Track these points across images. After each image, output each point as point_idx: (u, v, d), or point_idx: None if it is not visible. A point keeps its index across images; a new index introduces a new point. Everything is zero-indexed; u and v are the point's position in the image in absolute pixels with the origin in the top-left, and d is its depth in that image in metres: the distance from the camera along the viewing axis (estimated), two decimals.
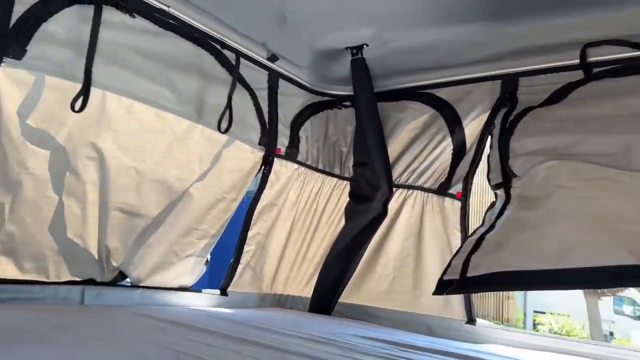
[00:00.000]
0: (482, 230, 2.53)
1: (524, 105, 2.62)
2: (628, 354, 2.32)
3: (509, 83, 2.71)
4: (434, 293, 2.48)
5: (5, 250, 1.99)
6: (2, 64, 1.86)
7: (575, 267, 2.11)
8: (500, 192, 2.60)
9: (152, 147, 2.37)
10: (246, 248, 2.94)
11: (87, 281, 2.26)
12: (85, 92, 2.05)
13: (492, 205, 2.66)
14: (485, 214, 2.65)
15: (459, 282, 2.38)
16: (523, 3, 2.33)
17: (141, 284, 2.47)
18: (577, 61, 2.45)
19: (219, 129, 2.59)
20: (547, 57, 2.56)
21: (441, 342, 2.37)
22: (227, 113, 2.63)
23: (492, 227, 2.49)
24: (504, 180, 2.56)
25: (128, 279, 2.45)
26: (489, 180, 2.69)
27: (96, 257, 2.27)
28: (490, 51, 2.69)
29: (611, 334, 5.84)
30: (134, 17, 2.25)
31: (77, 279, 2.22)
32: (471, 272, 2.37)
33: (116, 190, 2.27)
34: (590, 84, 2.46)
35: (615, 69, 2.39)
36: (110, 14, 2.16)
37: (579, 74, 2.48)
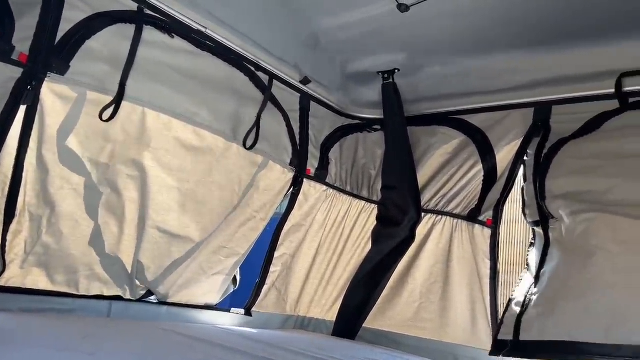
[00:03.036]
0: (529, 281, 2.54)
1: (557, 134, 2.60)
2: None
3: (542, 111, 2.68)
4: (491, 354, 2.51)
5: (40, 262, 2.03)
6: (46, 79, 1.93)
7: (623, 344, 2.15)
8: (539, 229, 2.58)
9: (193, 167, 2.40)
10: (272, 269, 2.93)
11: (115, 296, 2.28)
12: (117, 103, 2.10)
13: (532, 244, 2.64)
14: (528, 255, 2.63)
15: (513, 344, 2.43)
16: (557, 32, 2.34)
17: (168, 301, 2.48)
18: (612, 90, 2.42)
19: (244, 145, 2.61)
20: (582, 86, 2.54)
21: None
22: (255, 130, 2.65)
23: (537, 278, 2.50)
24: (542, 220, 2.55)
25: (154, 296, 2.47)
26: (524, 215, 2.66)
27: (128, 273, 2.29)
28: (524, 78, 2.69)
29: None
30: (173, 37, 2.31)
31: (106, 294, 2.25)
32: (524, 335, 2.42)
33: (156, 209, 2.31)
34: (625, 114, 2.42)
35: None
36: (150, 34, 2.22)
37: (614, 104, 2.44)
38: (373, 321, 3.04)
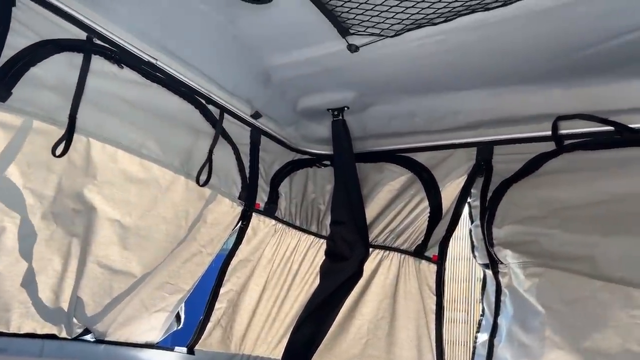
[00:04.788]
0: (489, 328, 2.61)
1: (499, 173, 2.71)
2: None
3: (485, 150, 2.79)
4: None
5: None
6: None
7: None
8: (489, 272, 2.66)
9: (138, 200, 2.33)
10: (217, 305, 2.87)
11: (49, 335, 2.15)
12: (68, 138, 2.04)
13: (484, 286, 2.72)
14: (482, 297, 2.71)
15: None
16: (498, 76, 2.45)
17: (106, 339, 2.36)
18: (549, 132, 2.55)
19: (197, 181, 2.58)
20: (521, 127, 2.66)
21: None
22: (207, 166, 2.64)
23: (495, 326, 2.58)
24: (491, 263, 2.64)
25: (91, 334, 2.35)
26: (474, 256, 2.74)
27: (65, 310, 2.17)
28: (467, 119, 2.79)
29: None
30: (122, 67, 2.28)
31: (39, 332, 2.12)
32: None
33: (97, 244, 2.22)
34: (562, 156, 2.55)
35: (585, 142, 2.48)
36: (98, 63, 2.18)
37: (551, 145, 2.57)
38: (320, 358, 2.99)
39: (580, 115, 2.45)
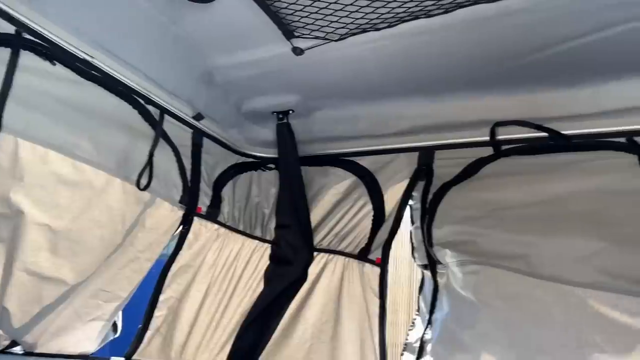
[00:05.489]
0: (422, 326, 2.65)
1: (440, 178, 2.77)
2: None
3: (426, 155, 2.85)
4: None
5: None
6: None
7: None
8: (427, 272, 2.72)
9: (70, 203, 2.21)
10: (157, 313, 2.77)
11: None
12: None
13: (421, 286, 2.78)
14: (419, 298, 2.76)
15: None
16: (439, 83, 2.51)
17: (36, 351, 2.23)
18: (487, 138, 2.63)
19: (137, 185, 2.49)
20: (461, 133, 2.73)
21: None
22: (148, 169, 2.55)
23: (429, 323, 2.63)
24: (430, 264, 2.70)
25: (20, 346, 2.21)
26: (414, 258, 2.79)
27: None
28: (409, 124, 2.83)
29: None
30: (55, 64, 2.16)
31: None
32: None
33: (25, 250, 2.08)
34: (499, 160, 2.64)
35: (521, 148, 2.58)
36: (28, 59, 2.06)
37: (489, 150, 2.66)
38: None
39: (517, 121, 2.54)
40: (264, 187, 3.26)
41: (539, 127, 2.48)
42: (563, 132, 2.45)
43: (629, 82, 2.25)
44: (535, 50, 2.13)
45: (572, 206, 2.37)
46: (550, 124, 2.47)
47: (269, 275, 3.02)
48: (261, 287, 3.02)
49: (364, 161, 3.03)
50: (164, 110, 2.66)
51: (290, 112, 2.93)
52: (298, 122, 2.99)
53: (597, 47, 2.03)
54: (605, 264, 2.21)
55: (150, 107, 2.60)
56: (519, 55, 2.18)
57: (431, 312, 2.63)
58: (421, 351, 2.56)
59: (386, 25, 2.08)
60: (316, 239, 3.03)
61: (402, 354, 2.62)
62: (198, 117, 2.86)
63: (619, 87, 2.29)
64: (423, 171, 2.82)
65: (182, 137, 2.82)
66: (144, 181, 2.52)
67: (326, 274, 2.98)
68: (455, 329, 2.50)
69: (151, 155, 2.57)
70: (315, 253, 2.98)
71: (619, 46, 2.02)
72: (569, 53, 2.09)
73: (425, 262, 2.70)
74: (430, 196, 2.74)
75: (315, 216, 3.05)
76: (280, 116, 2.96)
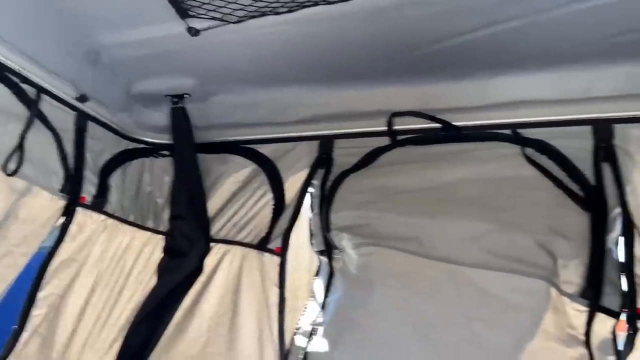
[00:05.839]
0: (315, 310, 2.63)
1: (339, 167, 2.79)
2: None
3: (326, 144, 2.85)
4: None
5: None
6: None
7: None
8: (324, 259, 2.73)
9: None
10: (35, 312, 2.53)
11: None
12: None
13: (317, 273, 2.76)
14: (313, 283, 2.74)
15: None
16: (340, 73, 2.51)
17: None
18: (384, 128, 2.68)
19: (4, 170, 2.23)
20: (360, 123, 2.75)
21: None
22: (18, 153, 2.30)
23: (323, 307, 2.62)
24: (327, 249, 2.71)
25: None
26: (311, 244, 2.78)
27: None
28: (310, 113, 2.81)
29: None
30: None
31: None
32: None
33: None
34: (395, 150, 2.71)
35: (416, 138, 2.66)
36: None
37: (386, 140, 2.71)
38: None
39: (412, 112, 2.60)
40: (157, 175, 3.09)
41: (433, 118, 2.57)
42: (454, 123, 2.56)
43: (514, 77, 2.39)
44: (429, 43, 2.18)
45: (461, 192, 2.51)
46: (443, 115, 2.57)
47: (163, 268, 2.87)
48: (154, 281, 2.87)
49: (264, 149, 2.97)
50: (41, 90, 2.41)
51: (186, 96, 2.78)
52: (194, 107, 2.85)
53: (486, 42, 2.11)
54: (490, 245, 2.38)
55: (26, 87, 2.34)
56: (414, 47, 2.22)
57: (325, 296, 2.64)
58: (312, 334, 2.56)
59: (286, 10, 2.02)
60: (213, 230, 2.92)
61: (293, 338, 2.60)
62: (82, 98, 2.62)
63: (505, 81, 2.42)
64: (323, 160, 2.82)
65: (63, 120, 2.58)
66: (12, 166, 2.26)
67: (224, 265, 2.89)
68: (347, 309, 2.53)
69: (22, 137, 2.31)
70: (212, 244, 2.88)
71: (506, 42, 2.12)
72: (460, 47, 2.16)
73: (323, 248, 2.70)
74: (329, 183, 2.75)
75: (212, 206, 2.94)
76: (175, 100, 2.81)
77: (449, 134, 2.58)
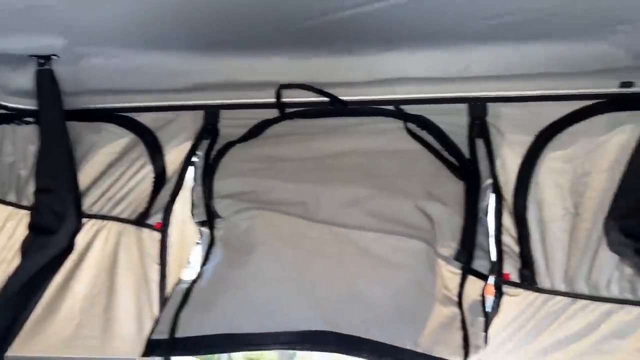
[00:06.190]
0: (190, 278, 2.53)
1: (225, 138, 2.70)
2: None
3: (211, 114, 2.74)
4: (142, 355, 2.37)
5: None
6: None
7: (276, 332, 2.32)
8: (205, 229, 2.62)
9: None
10: None
11: None
12: None
13: (198, 244, 2.67)
14: (190, 254, 2.67)
15: (168, 343, 2.34)
16: (226, 40, 2.41)
17: None
18: (273, 100, 2.64)
19: None
20: (247, 93, 2.69)
21: None
22: None
23: (199, 275, 2.52)
24: (209, 219, 2.61)
25: None
26: (193, 215, 2.66)
27: None
28: (194, 81, 2.69)
29: (294, 352, 6.56)
30: None
31: None
32: (181, 332, 2.36)
33: None
34: (284, 122, 2.69)
35: (305, 111, 2.66)
36: None
37: (275, 112, 2.68)
38: (21, 347, 2.58)
39: (301, 85, 2.59)
40: (20, 144, 2.79)
41: (321, 92, 2.58)
42: (342, 97, 2.60)
43: (398, 54, 2.46)
44: (316, 15, 2.15)
45: (346, 161, 2.57)
46: (331, 89, 2.59)
47: (27, 247, 2.61)
48: (17, 260, 2.61)
49: (143, 118, 2.78)
50: None
51: (54, 57, 2.53)
52: (64, 70, 2.60)
53: (372, 18, 2.13)
54: (372, 208, 2.47)
55: None
56: (302, 19, 2.18)
57: (203, 264, 2.56)
58: (185, 300, 2.44)
59: None
60: (85, 204, 2.70)
61: (163, 305, 2.49)
62: None
63: (390, 58, 2.49)
64: (208, 130, 2.72)
65: None
66: None
67: (98, 242, 2.68)
68: (225, 273, 2.48)
69: None
70: (84, 220, 2.67)
71: (390, 19, 2.16)
72: (347, 22, 2.16)
73: (204, 218, 2.61)
74: (214, 153, 2.66)
75: (84, 178, 2.72)
76: (41, 61, 2.54)
77: (336, 108, 2.62)
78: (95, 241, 2.69)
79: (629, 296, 2.30)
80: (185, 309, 2.42)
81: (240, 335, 2.34)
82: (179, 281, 2.58)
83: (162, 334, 2.37)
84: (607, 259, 2.32)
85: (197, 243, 2.70)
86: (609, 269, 2.32)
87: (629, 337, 2.28)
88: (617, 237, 2.23)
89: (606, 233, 2.28)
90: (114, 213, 2.73)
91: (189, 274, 2.61)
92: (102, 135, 2.77)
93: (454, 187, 2.45)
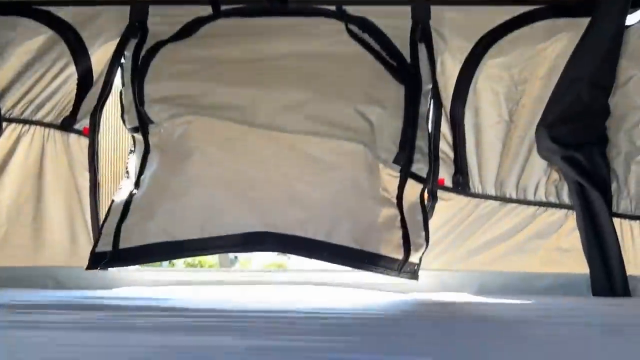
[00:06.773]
0: (129, 188, 2.46)
1: (155, 36, 2.51)
2: (248, 275, 2.72)
3: (139, 10, 2.52)
4: (87, 268, 2.34)
5: None
6: None
7: (216, 236, 2.34)
8: (138, 136, 2.50)
9: None
10: None
11: None
12: None
13: (132, 151, 2.56)
14: (127, 163, 2.57)
15: (112, 254, 2.34)
16: None
17: None
18: None
19: None
20: None
21: (68, 295, 2.13)
22: None
23: (137, 185, 2.46)
24: (141, 125, 2.48)
25: None
26: (124, 121, 2.53)
27: None
28: None
29: (235, 257, 6.70)
30: None
31: None
32: (124, 243, 2.35)
33: None
34: (219, 21, 2.51)
35: (241, 9, 2.51)
36: None
37: (209, 10, 2.48)
38: None
39: None
40: None
41: None
42: None
43: None
44: None
45: (285, 63, 2.49)
46: None
47: None
48: None
49: (62, 12, 2.53)
50: None
51: None
52: None
53: None
54: (311, 112, 2.44)
55: None
56: None
57: (140, 173, 2.49)
58: (126, 211, 2.40)
59: None
60: (5, 107, 2.50)
61: (104, 220, 2.44)
62: None
63: None
64: (136, 28, 2.51)
65: None
66: None
67: (21, 148, 2.52)
68: (163, 180, 2.44)
69: None
70: (4, 124, 2.47)
71: None
72: None
73: (136, 124, 2.49)
74: (143, 53, 2.48)
75: (1, 79, 2.49)
76: None
77: (276, 6, 2.47)
78: (17, 147, 2.53)
79: (553, 199, 2.45)
80: (127, 219, 2.39)
81: (182, 242, 2.35)
82: (119, 191, 2.50)
83: (106, 246, 2.35)
84: (537, 165, 2.42)
85: (131, 151, 2.57)
86: (538, 175, 2.43)
87: (550, 237, 2.45)
88: (546, 144, 2.30)
89: (537, 139, 2.34)
90: (37, 117, 2.54)
91: (127, 184, 2.51)
92: (17, 31, 2.51)
93: (394, 91, 2.43)
